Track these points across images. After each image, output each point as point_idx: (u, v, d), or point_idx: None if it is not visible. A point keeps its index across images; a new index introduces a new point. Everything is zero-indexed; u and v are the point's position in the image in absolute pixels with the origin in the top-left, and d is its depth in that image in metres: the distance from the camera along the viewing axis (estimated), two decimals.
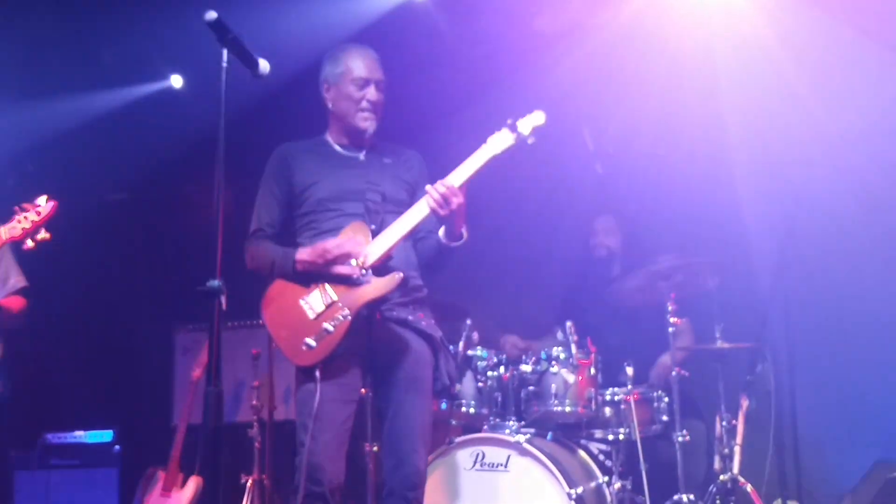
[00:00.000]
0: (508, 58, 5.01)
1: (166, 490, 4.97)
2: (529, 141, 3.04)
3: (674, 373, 4.04)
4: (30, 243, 3.44)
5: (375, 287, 3.05)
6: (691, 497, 3.93)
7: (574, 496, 3.69)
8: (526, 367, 4.07)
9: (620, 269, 4.66)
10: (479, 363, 4.09)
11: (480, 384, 4.06)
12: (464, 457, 3.88)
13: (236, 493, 4.87)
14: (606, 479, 4.06)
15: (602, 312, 4.53)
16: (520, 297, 4.83)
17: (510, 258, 4.94)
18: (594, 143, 4.78)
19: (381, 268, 3.08)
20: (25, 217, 3.42)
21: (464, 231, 3.15)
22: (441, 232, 3.14)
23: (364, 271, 3.04)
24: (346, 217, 3.18)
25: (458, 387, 4.04)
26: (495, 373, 4.09)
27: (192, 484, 4.98)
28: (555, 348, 4.05)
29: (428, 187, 3.04)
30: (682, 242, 4.63)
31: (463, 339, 4.09)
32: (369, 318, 3.06)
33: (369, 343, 3.06)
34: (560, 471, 3.74)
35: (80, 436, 5.33)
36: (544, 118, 3.06)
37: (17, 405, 3.88)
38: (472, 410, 4.05)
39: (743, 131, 4.84)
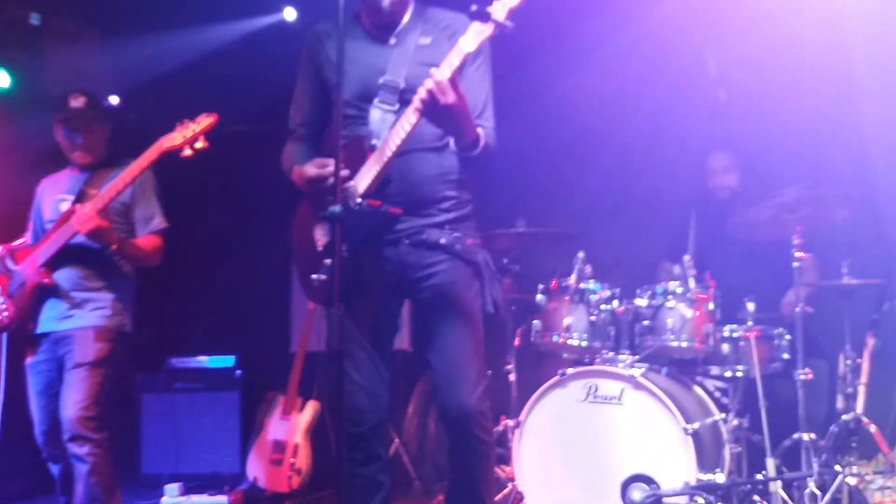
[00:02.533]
0: None
1: (286, 413, 5.16)
2: (509, 27, 2.51)
3: (798, 309, 3.90)
4: (188, 151, 3.67)
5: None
6: (812, 436, 3.82)
7: (690, 431, 3.64)
8: (641, 301, 4.00)
9: (741, 206, 4.50)
10: (591, 296, 4.02)
11: (593, 318, 4.01)
12: (576, 389, 3.87)
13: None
14: (723, 416, 3.98)
15: (721, 248, 4.40)
16: (633, 230, 4.72)
17: (626, 190, 4.81)
18: (717, 69, 4.57)
19: (389, 189, 2.75)
20: (187, 129, 3.67)
21: (480, 135, 2.74)
22: (452, 141, 2.79)
23: (357, 204, 2.71)
24: (356, 125, 2.84)
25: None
26: (608, 306, 4.03)
27: (311, 408, 5.16)
28: (671, 283, 3.96)
29: (420, 90, 2.59)
30: (807, 174, 4.43)
31: (575, 271, 4.03)
32: (392, 243, 2.80)
33: (395, 271, 2.82)
34: (676, 405, 3.69)
35: (203, 361, 5.55)
36: None
37: (143, 332, 4.05)
38: (583, 343, 4.01)
39: (871, 60, 4.55)
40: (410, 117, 2.65)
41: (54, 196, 4.04)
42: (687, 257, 3.98)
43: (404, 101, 2.75)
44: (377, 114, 2.81)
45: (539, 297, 4.08)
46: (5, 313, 3.96)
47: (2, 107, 5.73)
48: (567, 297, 4.02)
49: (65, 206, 3.95)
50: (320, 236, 2.86)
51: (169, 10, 5.40)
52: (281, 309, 5.75)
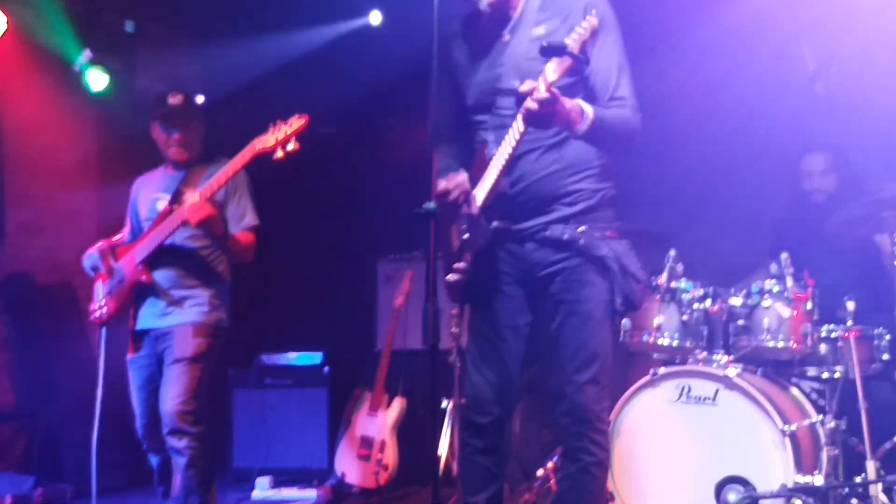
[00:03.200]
0: None
1: (373, 410, 5.23)
2: (583, 59, 2.48)
3: None
4: (280, 153, 3.68)
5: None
6: None
7: (787, 432, 3.56)
8: (735, 301, 3.92)
9: (839, 204, 4.36)
10: (683, 295, 3.96)
11: (685, 317, 3.94)
12: (668, 389, 3.82)
13: (438, 416, 5.03)
14: (820, 417, 3.88)
15: (819, 246, 4.28)
16: (727, 228, 4.63)
17: (716, 187, 4.71)
18: (815, 62, 4.44)
19: (512, 190, 2.74)
20: (279, 130, 3.67)
21: (574, 117, 2.61)
22: None
23: (476, 217, 2.75)
24: (480, 133, 2.84)
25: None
26: (701, 305, 3.96)
27: (398, 404, 5.22)
28: (767, 281, 3.87)
29: (528, 101, 2.51)
30: None
31: (666, 269, 3.97)
32: (518, 242, 2.80)
33: (523, 270, 2.82)
34: (773, 406, 3.61)
35: (292, 357, 5.66)
36: (594, 26, 2.45)
37: (235, 328, 4.14)
38: (675, 343, 3.94)
39: None
40: (519, 126, 2.61)
41: (150, 194, 4.13)
42: (784, 255, 3.89)
43: (521, 103, 2.66)
44: (496, 120, 2.79)
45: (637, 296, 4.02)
46: (105, 309, 4.09)
47: (99, 109, 5.94)
48: (657, 296, 3.96)
49: (161, 205, 4.03)
50: (455, 237, 2.88)
51: (256, 16, 5.53)
52: (367, 307, 5.82)
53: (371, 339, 5.76)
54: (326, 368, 5.57)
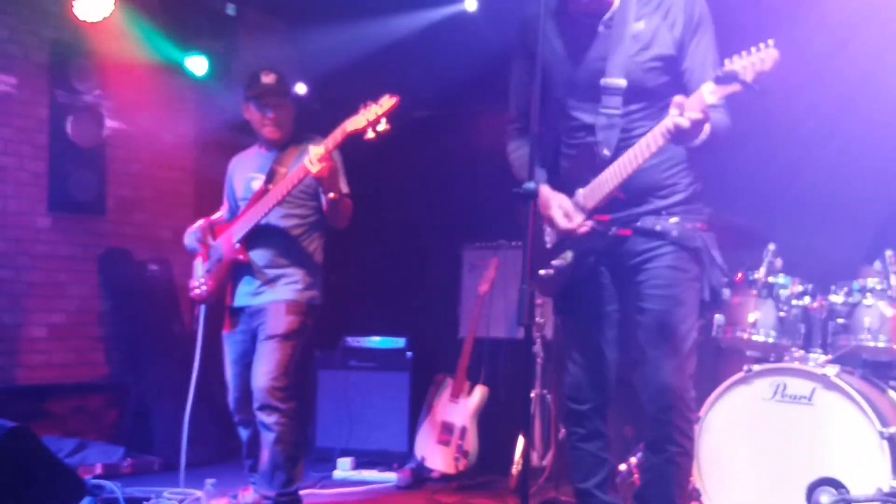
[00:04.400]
0: None
1: (454, 396, 5.25)
2: (756, 89, 2.44)
3: None
4: (371, 134, 3.66)
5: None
6: None
7: (886, 435, 3.45)
8: (836, 298, 3.81)
9: None
10: (781, 291, 3.87)
11: (782, 313, 3.86)
12: (763, 386, 3.74)
13: (521, 405, 5.01)
14: None
15: None
16: (830, 224, 4.49)
17: (818, 179, 4.56)
18: None
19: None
20: (370, 110, 3.65)
21: (706, 127, 2.58)
22: None
23: (585, 220, 2.76)
24: (582, 132, 2.80)
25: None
26: (800, 302, 3.87)
27: (479, 392, 5.23)
28: (870, 279, 3.76)
29: (671, 113, 2.49)
30: None
31: (765, 264, 3.89)
32: (609, 236, 2.80)
33: (612, 259, 2.84)
34: (871, 408, 3.51)
35: (376, 341, 5.71)
36: (775, 59, 2.39)
37: (322, 311, 4.19)
38: (770, 340, 3.86)
39: None
40: (658, 140, 2.59)
41: (245, 174, 4.21)
42: (889, 252, 3.76)
43: (629, 101, 2.72)
44: (603, 120, 2.75)
45: (723, 290, 3.95)
46: (204, 287, 4.20)
47: (199, 92, 6.10)
48: (754, 291, 3.89)
49: (256, 185, 4.12)
50: (549, 234, 2.88)
51: (353, 2, 5.59)
52: (451, 294, 5.83)
53: (454, 326, 5.77)
54: (409, 353, 5.61)
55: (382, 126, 3.65)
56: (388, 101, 3.66)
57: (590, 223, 2.77)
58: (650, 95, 2.75)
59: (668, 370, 2.77)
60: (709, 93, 2.49)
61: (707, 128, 2.60)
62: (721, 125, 2.69)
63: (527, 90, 2.90)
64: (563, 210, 2.78)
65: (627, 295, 2.89)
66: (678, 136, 2.54)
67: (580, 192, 2.79)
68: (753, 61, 2.43)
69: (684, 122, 2.49)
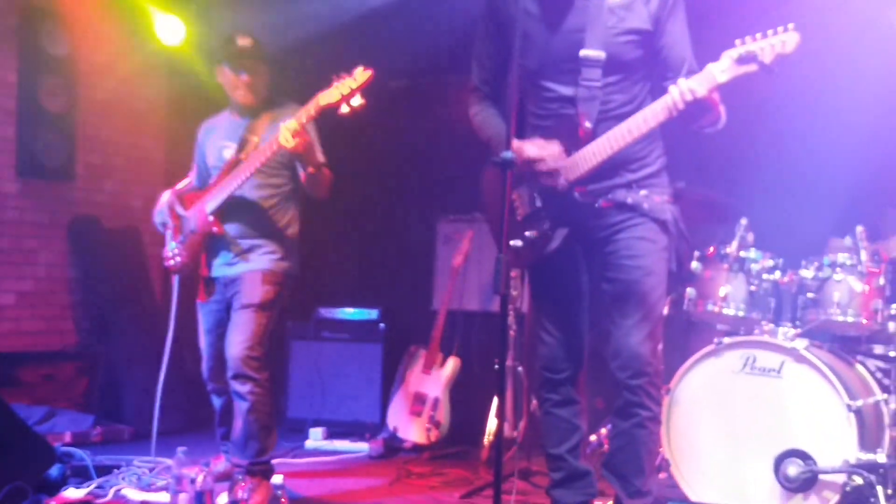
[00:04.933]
0: None
1: (427, 368, 5.27)
2: (774, 72, 2.49)
3: None
4: (345, 109, 3.55)
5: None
6: None
7: (854, 408, 3.52)
8: (806, 273, 3.85)
9: None
10: (752, 266, 3.91)
11: (753, 287, 3.90)
12: (733, 359, 3.78)
13: (493, 377, 5.05)
14: (885, 397, 3.82)
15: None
16: (800, 197, 4.53)
17: (790, 154, 4.59)
18: None
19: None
20: (343, 83, 3.53)
21: (721, 114, 2.71)
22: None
23: (567, 190, 2.80)
24: (558, 103, 2.81)
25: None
26: (771, 276, 3.91)
27: (452, 363, 5.25)
28: (840, 254, 3.81)
29: (673, 90, 2.57)
30: None
31: (737, 239, 3.92)
32: (579, 206, 2.82)
33: (583, 231, 2.87)
34: (840, 381, 3.57)
35: (349, 312, 5.71)
36: (796, 42, 2.44)
37: (296, 281, 4.17)
38: (740, 314, 3.90)
39: None
40: (659, 115, 2.62)
41: (217, 142, 4.14)
42: (860, 228, 3.81)
43: (606, 73, 2.74)
44: (584, 92, 2.76)
45: (694, 264, 3.98)
46: (178, 258, 4.14)
47: (170, 56, 5.99)
48: (725, 265, 3.92)
49: (228, 154, 4.05)
50: (519, 205, 2.90)
51: None
52: (425, 266, 5.83)
53: (428, 298, 5.77)
54: (382, 325, 5.61)
55: (357, 100, 3.55)
56: (362, 75, 3.53)
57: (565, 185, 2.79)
58: (626, 68, 2.78)
59: (639, 338, 2.84)
60: (720, 71, 2.52)
61: (723, 112, 2.67)
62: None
63: (491, 55, 2.93)
64: (535, 144, 2.80)
65: (596, 265, 2.95)
66: (686, 112, 2.58)
67: (564, 163, 2.81)
68: (773, 43, 2.46)
69: (688, 96, 2.53)
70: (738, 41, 2.51)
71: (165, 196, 4.24)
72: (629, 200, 2.84)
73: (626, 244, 2.85)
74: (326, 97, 3.57)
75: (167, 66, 6.15)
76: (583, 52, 2.74)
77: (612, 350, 2.90)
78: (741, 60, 2.49)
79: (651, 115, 2.64)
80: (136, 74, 6.04)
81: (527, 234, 2.87)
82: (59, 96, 5.65)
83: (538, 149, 2.80)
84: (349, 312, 5.70)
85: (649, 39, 2.77)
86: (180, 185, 4.34)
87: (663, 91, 2.67)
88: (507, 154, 2.46)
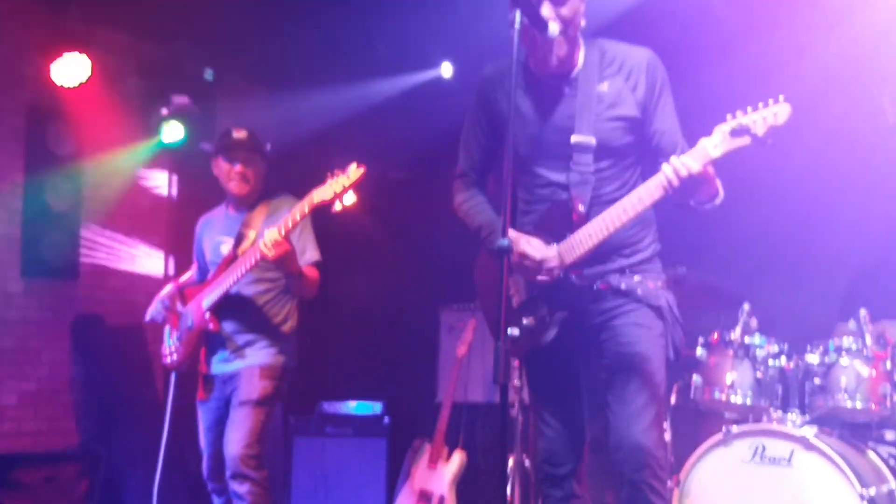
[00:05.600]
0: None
1: (432, 462, 5.16)
2: (768, 143, 2.48)
3: None
4: (338, 206, 3.59)
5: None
6: None
7: (867, 497, 3.41)
8: (812, 358, 3.80)
9: None
10: (757, 351, 3.86)
11: (759, 374, 3.84)
12: (741, 448, 3.70)
13: (499, 472, 4.93)
14: None
15: None
16: (803, 280, 4.50)
17: (790, 237, 4.58)
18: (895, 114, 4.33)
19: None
20: (336, 181, 3.56)
21: (719, 189, 2.67)
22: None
23: (564, 275, 2.76)
24: (550, 188, 2.81)
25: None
26: (776, 362, 3.86)
27: (458, 457, 5.14)
28: (845, 338, 3.75)
29: (666, 168, 2.56)
30: None
31: (740, 324, 3.89)
32: (576, 291, 2.78)
33: (577, 317, 2.81)
34: (851, 469, 3.47)
35: (353, 406, 5.64)
36: (788, 114, 2.45)
37: (297, 375, 4.14)
38: (748, 402, 3.84)
39: None
40: (654, 193, 2.61)
41: (214, 237, 4.17)
42: (863, 312, 3.77)
43: (597, 159, 2.75)
44: (576, 177, 2.77)
45: (699, 350, 3.94)
46: (175, 355, 4.13)
47: (176, 158, 6.11)
48: (730, 352, 3.87)
49: (225, 249, 4.08)
50: (515, 292, 2.86)
51: (332, 68, 5.66)
52: (429, 357, 5.78)
53: (432, 390, 5.71)
54: (386, 418, 5.54)
55: (350, 198, 3.60)
56: (355, 172, 3.57)
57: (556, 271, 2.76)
58: (616, 154, 2.79)
59: (641, 427, 2.75)
60: (713, 146, 2.53)
61: (720, 186, 2.65)
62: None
63: (481, 144, 2.96)
64: (532, 245, 2.78)
65: (593, 353, 2.89)
66: (681, 189, 2.57)
67: (556, 247, 2.78)
68: (765, 115, 2.47)
69: (683, 172, 2.53)
70: (729, 115, 2.52)
71: (166, 290, 4.26)
72: (623, 286, 2.81)
73: (623, 331, 2.80)
74: (320, 194, 3.60)
75: (170, 164, 6.24)
76: (574, 139, 2.76)
77: (613, 442, 2.81)
78: (734, 133, 2.50)
79: (646, 194, 2.63)
80: (140, 172, 6.12)
81: (524, 321, 2.82)
82: (65, 195, 5.72)
83: (529, 246, 2.77)
84: (352, 406, 5.64)
85: (639, 126, 2.79)
86: (183, 279, 4.35)
87: (655, 173, 2.67)
88: (504, 241, 2.43)
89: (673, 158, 2.58)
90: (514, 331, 2.73)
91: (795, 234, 4.58)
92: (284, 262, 3.75)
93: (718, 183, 2.70)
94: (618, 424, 2.78)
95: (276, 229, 3.67)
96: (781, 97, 2.48)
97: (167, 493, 4.33)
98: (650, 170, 2.79)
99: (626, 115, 2.78)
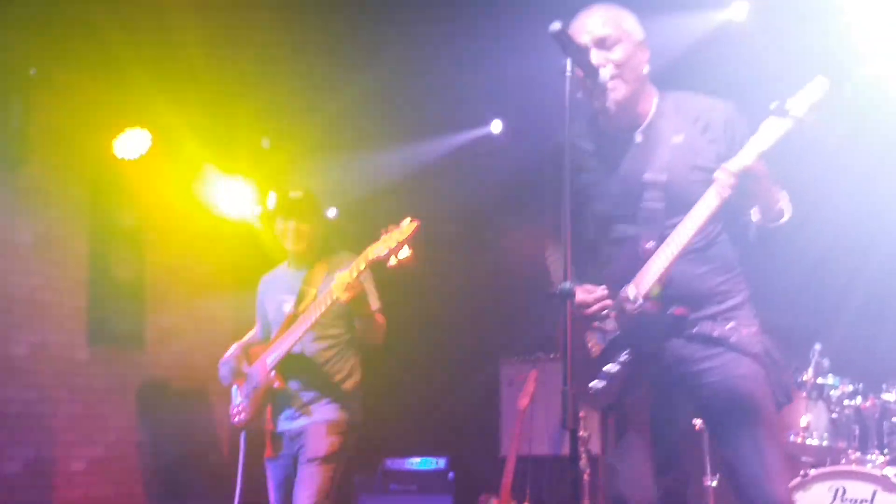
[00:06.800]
0: None
1: None
2: (810, 121, 2.42)
3: None
4: (393, 261, 3.58)
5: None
6: None
7: None
8: (889, 396, 3.73)
9: None
10: (831, 392, 3.80)
11: (834, 415, 3.77)
12: (821, 491, 3.62)
13: None
14: None
15: None
16: (874, 317, 4.42)
17: (860, 275, 4.51)
18: None
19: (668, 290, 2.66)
20: (390, 236, 3.58)
21: (784, 204, 2.60)
22: (754, 211, 2.62)
23: (638, 308, 2.67)
24: (623, 233, 2.75)
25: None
26: (852, 402, 3.78)
27: None
28: None
29: (718, 174, 2.50)
30: None
31: (812, 365, 3.83)
32: (667, 340, 2.69)
33: (671, 367, 2.69)
34: None
35: (417, 462, 5.61)
36: (825, 88, 2.42)
37: (361, 430, 4.14)
38: (825, 443, 3.76)
39: None
40: (711, 202, 2.55)
41: (276, 296, 4.21)
42: None
43: (671, 198, 2.68)
44: (643, 213, 2.71)
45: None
46: (243, 414, 4.16)
47: (238, 225, 6.23)
48: (804, 394, 3.81)
49: (287, 308, 4.11)
50: (594, 343, 2.80)
51: (385, 129, 5.78)
52: (491, 411, 5.76)
53: (496, 443, 5.67)
54: (451, 474, 5.49)
55: (404, 253, 3.58)
56: (408, 227, 3.57)
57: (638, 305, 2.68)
58: (687, 201, 2.65)
59: (771, 487, 2.60)
60: (761, 139, 2.48)
61: (784, 199, 2.60)
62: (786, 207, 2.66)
63: (559, 205, 2.83)
64: (584, 289, 2.74)
65: (680, 404, 2.80)
66: (739, 192, 2.51)
67: (628, 287, 2.72)
68: (804, 94, 2.43)
69: (734, 167, 2.48)
70: (772, 104, 2.47)
71: (231, 350, 4.31)
72: (715, 333, 2.68)
73: (726, 385, 2.66)
74: (374, 250, 3.61)
75: (231, 230, 6.38)
76: (645, 176, 2.72)
77: (744, 501, 2.65)
78: (776, 112, 2.45)
79: (705, 206, 2.56)
80: (201, 240, 6.26)
81: (605, 369, 2.72)
82: (128, 264, 5.87)
83: (584, 293, 2.74)
84: (416, 462, 5.60)
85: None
86: (246, 338, 4.41)
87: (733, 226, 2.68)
88: (566, 285, 2.41)
89: (723, 165, 2.53)
90: (597, 384, 2.71)
91: (865, 271, 4.50)
92: (357, 303, 3.77)
93: (783, 196, 2.63)
94: (746, 483, 2.64)
95: (347, 272, 3.69)
96: (818, 76, 2.45)
97: None
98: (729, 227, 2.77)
99: (703, 165, 2.70)
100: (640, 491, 2.82)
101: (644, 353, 2.73)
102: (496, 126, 5.95)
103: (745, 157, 2.49)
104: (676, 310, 2.69)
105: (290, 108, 5.82)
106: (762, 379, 2.69)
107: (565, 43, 2.46)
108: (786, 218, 2.62)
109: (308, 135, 6.08)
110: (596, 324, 2.78)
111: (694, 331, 2.70)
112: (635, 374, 2.75)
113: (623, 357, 2.73)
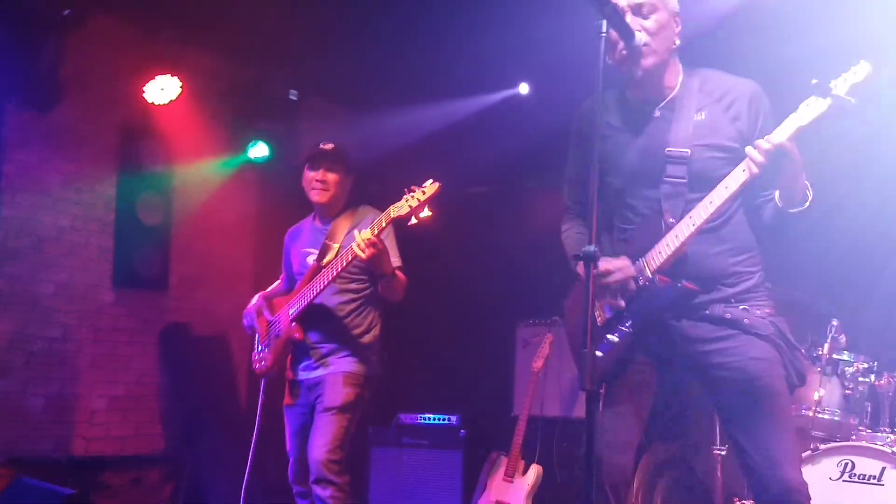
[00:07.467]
0: None
1: (508, 475, 5.18)
2: (851, 102, 2.40)
3: None
4: (413, 220, 3.67)
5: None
6: None
7: None
8: None
9: None
10: (846, 368, 3.82)
11: (848, 391, 3.79)
12: (829, 466, 3.65)
13: (576, 486, 4.93)
14: None
15: None
16: (894, 296, 4.41)
17: (880, 252, 4.48)
18: None
19: (674, 270, 2.67)
20: (413, 196, 3.66)
21: (808, 191, 2.60)
22: (777, 195, 2.63)
23: (649, 279, 2.68)
24: (645, 207, 2.76)
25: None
26: (866, 379, 3.80)
27: (534, 471, 5.15)
28: None
29: (749, 149, 2.50)
30: None
31: (828, 341, 3.84)
32: (677, 319, 2.71)
33: (680, 347, 2.72)
34: None
35: (430, 418, 5.69)
36: (868, 71, 2.41)
37: (379, 383, 4.21)
38: (836, 419, 3.80)
39: None
40: (739, 178, 2.55)
41: (301, 248, 4.28)
42: None
43: (693, 173, 2.69)
44: (668, 188, 2.72)
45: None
46: (264, 362, 4.24)
47: (261, 174, 6.30)
48: (818, 369, 3.83)
49: (311, 260, 4.17)
50: (600, 312, 2.82)
51: (412, 88, 5.78)
52: (505, 371, 5.82)
53: (508, 404, 5.74)
54: (462, 431, 5.57)
55: (425, 213, 3.66)
56: (431, 187, 3.65)
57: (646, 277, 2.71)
58: (709, 178, 2.68)
59: (784, 470, 2.62)
60: (799, 116, 2.47)
61: (808, 186, 2.58)
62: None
63: (580, 177, 2.91)
64: (606, 261, 2.74)
65: (711, 388, 2.77)
66: (766, 167, 2.50)
67: (643, 259, 2.74)
68: (846, 76, 2.42)
69: (766, 145, 2.47)
70: (814, 80, 2.47)
71: (255, 299, 4.38)
72: (728, 315, 2.69)
73: (740, 367, 2.66)
74: (397, 209, 3.69)
75: (257, 180, 6.42)
76: (667, 150, 2.72)
77: (756, 484, 2.68)
78: (817, 90, 2.44)
79: (732, 181, 2.56)
80: (227, 188, 6.31)
81: (608, 337, 2.75)
82: (155, 210, 5.93)
83: (605, 262, 2.73)
84: (429, 418, 5.68)
85: (738, 157, 2.65)
86: (270, 288, 4.48)
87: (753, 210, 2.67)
88: (590, 248, 2.38)
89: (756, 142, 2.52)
90: (598, 352, 2.68)
91: (884, 249, 4.49)
92: (377, 261, 3.82)
93: (807, 183, 2.61)
94: (760, 467, 2.65)
95: (368, 230, 3.76)
96: (862, 60, 2.43)
97: (250, 497, 4.42)
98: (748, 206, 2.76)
99: (723, 144, 2.71)
100: (617, 456, 2.83)
101: (647, 322, 2.74)
102: (524, 88, 5.94)
103: (783, 133, 2.49)
104: (687, 283, 2.69)
105: (318, 62, 5.82)
106: (776, 361, 2.69)
107: (603, 2, 2.44)
108: (807, 204, 2.61)
109: (336, 90, 6.10)
110: (608, 298, 2.79)
111: (706, 312, 2.71)
112: (636, 344, 2.77)
113: (624, 327, 2.75)
